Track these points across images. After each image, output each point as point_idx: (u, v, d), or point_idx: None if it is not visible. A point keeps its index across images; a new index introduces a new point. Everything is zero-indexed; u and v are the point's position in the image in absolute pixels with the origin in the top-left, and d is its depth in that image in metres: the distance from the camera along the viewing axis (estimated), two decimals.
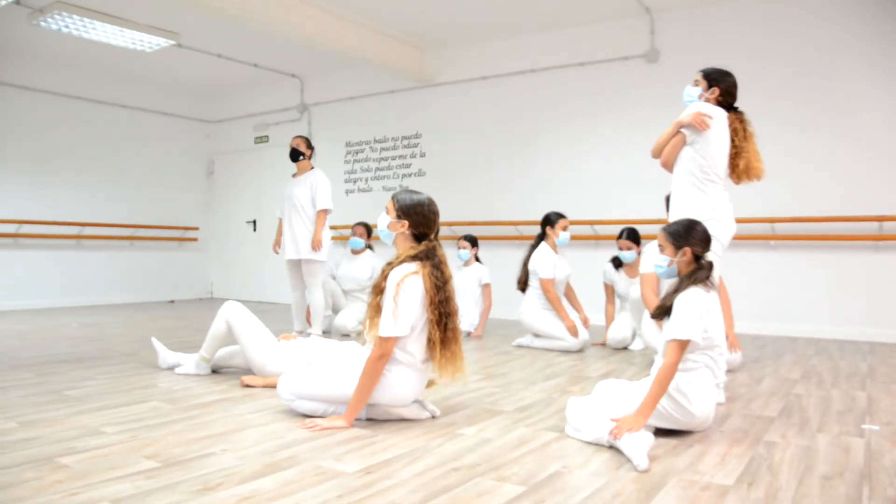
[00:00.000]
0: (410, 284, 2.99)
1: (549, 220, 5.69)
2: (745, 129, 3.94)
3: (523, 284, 5.78)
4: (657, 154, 4.02)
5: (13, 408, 3.39)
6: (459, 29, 7.88)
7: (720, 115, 3.83)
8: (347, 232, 7.34)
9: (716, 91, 3.88)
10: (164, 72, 9.66)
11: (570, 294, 5.85)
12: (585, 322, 5.70)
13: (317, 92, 9.77)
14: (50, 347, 5.47)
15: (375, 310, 3.08)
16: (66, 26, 7.32)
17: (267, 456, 2.58)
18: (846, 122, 6.28)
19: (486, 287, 6.52)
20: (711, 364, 2.96)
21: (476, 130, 8.33)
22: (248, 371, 4.28)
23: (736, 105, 4.01)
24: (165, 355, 4.46)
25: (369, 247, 6.71)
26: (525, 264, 5.77)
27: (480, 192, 8.21)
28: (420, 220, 3.15)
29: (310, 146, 6.09)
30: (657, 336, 3.86)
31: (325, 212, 5.89)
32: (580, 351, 5.45)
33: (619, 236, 5.65)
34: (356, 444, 2.75)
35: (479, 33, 8.02)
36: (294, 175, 6.04)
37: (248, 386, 3.91)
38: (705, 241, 3.13)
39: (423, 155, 8.69)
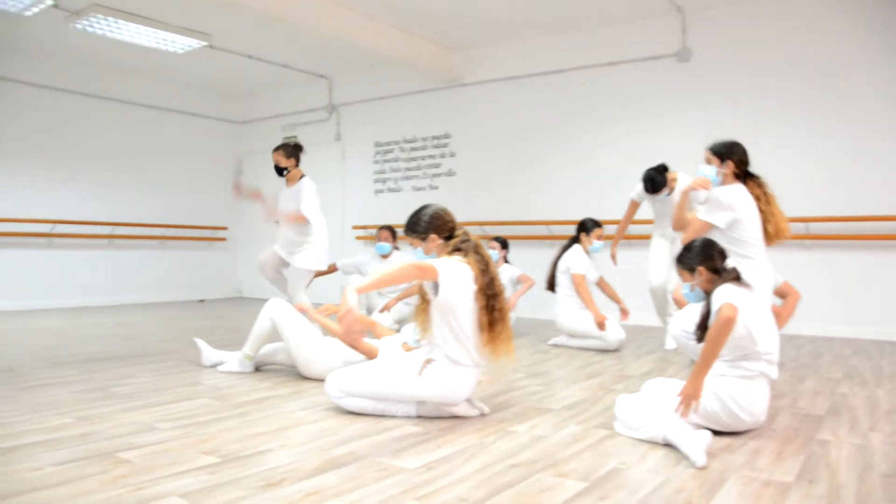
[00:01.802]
0: (457, 264, 3.05)
1: (585, 227, 5.71)
2: (766, 194, 3.91)
3: (551, 284, 5.80)
4: (680, 227, 4.02)
5: (66, 404, 3.43)
6: (488, 29, 7.89)
7: (741, 194, 3.78)
8: (375, 232, 7.35)
9: (730, 165, 3.86)
10: (195, 73, 9.75)
11: (606, 288, 5.86)
12: (625, 314, 5.67)
13: (345, 92, 9.81)
14: (89, 345, 5.53)
15: (423, 313, 3.14)
16: (101, 28, 7.39)
17: (325, 452, 2.61)
18: (889, 116, 6.21)
19: (521, 276, 6.48)
20: (767, 371, 2.94)
21: (506, 130, 8.33)
22: (292, 368, 4.31)
23: (750, 170, 3.97)
24: (208, 353, 4.50)
25: (395, 248, 6.73)
26: (554, 264, 5.78)
27: (510, 192, 8.21)
28: (442, 225, 3.24)
29: (291, 154, 5.60)
30: (683, 324, 3.80)
31: (304, 217, 5.43)
32: (617, 350, 5.44)
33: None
34: (411, 441, 2.76)
35: (508, 33, 8.03)
36: (287, 185, 5.72)
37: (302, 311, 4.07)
38: (720, 254, 3.10)
39: (452, 155, 8.70)
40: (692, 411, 2.74)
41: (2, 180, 8.52)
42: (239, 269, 11.15)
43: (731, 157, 3.86)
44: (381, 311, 5.97)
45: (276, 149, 5.62)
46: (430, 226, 3.22)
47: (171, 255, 10.15)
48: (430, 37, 8.13)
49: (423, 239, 3.23)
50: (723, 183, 3.83)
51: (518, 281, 6.47)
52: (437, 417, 3.15)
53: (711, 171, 3.88)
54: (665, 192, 5.52)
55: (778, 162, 6.49)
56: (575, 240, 5.75)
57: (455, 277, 3.00)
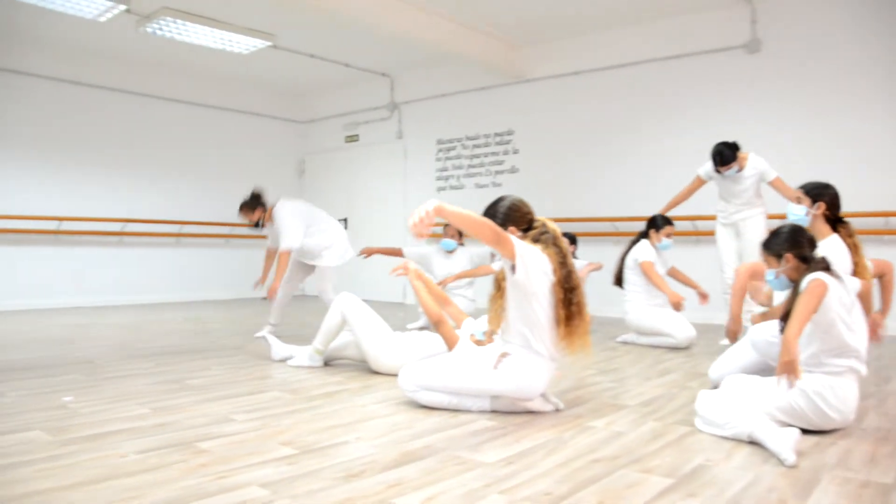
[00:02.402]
0: (537, 251, 3.00)
1: (656, 223, 5.61)
2: (855, 244, 3.74)
3: (618, 278, 5.71)
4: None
5: (143, 394, 3.49)
6: (552, 23, 7.80)
7: (837, 247, 3.61)
8: (439, 230, 7.30)
9: (821, 206, 3.71)
10: (258, 73, 9.88)
11: (680, 276, 5.75)
12: (704, 298, 5.51)
13: (407, 90, 9.83)
14: (162, 339, 5.64)
15: (494, 303, 3.08)
16: (170, 31, 7.55)
17: (402, 445, 2.58)
18: None
19: (588, 266, 6.40)
20: (857, 367, 2.81)
21: (570, 126, 8.22)
22: (361, 363, 4.32)
23: (840, 216, 3.81)
24: (278, 348, 4.54)
25: (461, 244, 6.69)
26: (622, 260, 5.69)
27: (575, 189, 8.11)
28: (521, 216, 3.18)
29: (254, 206, 5.60)
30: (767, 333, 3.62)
31: (288, 252, 5.42)
32: (687, 348, 5.31)
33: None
34: (489, 435, 2.72)
35: (572, 27, 7.92)
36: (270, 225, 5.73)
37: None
38: (810, 242, 2.98)
39: (515, 152, 8.63)
40: (795, 378, 2.58)
41: (80, 181, 8.78)
42: None
43: (824, 198, 3.73)
44: (438, 284, 5.98)
45: (239, 210, 5.67)
46: (507, 217, 3.15)
47: (237, 253, 10.31)
48: (493, 32, 8.08)
49: (503, 229, 3.12)
50: (812, 224, 3.69)
51: (587, 266, 6.44)
52: (512, 412, 3.10)
53: (801, 210, 3.76)
54: (734, 167, 5.40)
55: (853, 156, 6.28)
56: (643, 235, 5.65)
57: (533, 261, 2.94)
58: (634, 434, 2.77)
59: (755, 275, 3.72)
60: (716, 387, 3.78)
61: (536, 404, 3.11)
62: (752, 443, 2.60)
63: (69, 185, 8.69)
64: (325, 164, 11.03)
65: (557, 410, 3.17)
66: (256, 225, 5.68)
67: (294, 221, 5.47)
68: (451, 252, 6.55)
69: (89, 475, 2.23)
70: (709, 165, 5.57)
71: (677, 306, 5.23)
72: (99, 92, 8.94)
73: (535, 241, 3.08)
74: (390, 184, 10.08)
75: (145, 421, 2.96)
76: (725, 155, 5.36)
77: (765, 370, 3.58)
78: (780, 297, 5.32)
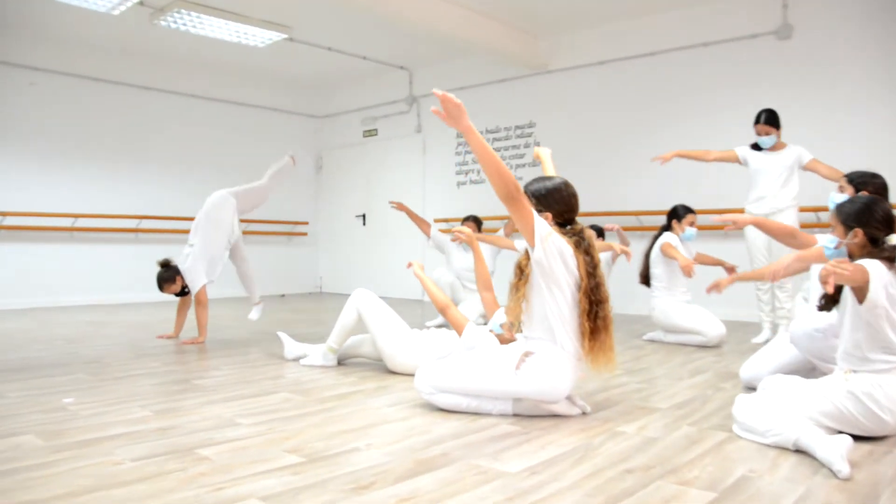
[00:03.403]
0: (563, 241, 2.78)
1: (677, 214, 5.37)
2: None
3: (645, 277, 5.49)
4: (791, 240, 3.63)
5: (147, 396, 3.33)
6: (575, 11, 7.55)
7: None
8: (458, 225, 7.12)
9: (858, 234, 3.44)
10: (275, 67, 9.72)
11: (706, 258, 5.45)
12: (731, 271, 5.10)
13: (426, 83, 9.62)
14: (172, 338, 5.49)
15: (516, 291, 2.85)
16: (184, 24, 7.40)
17: (417, 452, 2.39)
18: None
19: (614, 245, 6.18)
20: None
21: (593, 118, 7.98)
22: (377, 361, 4.13)
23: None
24: (291, 346, 4.37)
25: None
26: (647, 256, 5.47)
27: (597, 182, 7.86)
28: (562, 206, 2.91)
29: (173, 278, 5.33)
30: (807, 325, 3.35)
31: (202, 297, 5.25)
32: (717, 346, 5.08)
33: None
34: (511, 442, 2.52)
35: (595, 16, 7.67)
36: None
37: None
38: (885, 222, 2.70)
39: (537, 144, 8.40)
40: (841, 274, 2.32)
41: (96, 178, 8.66)
42: (319, 264, 11.13)
43: (867, 188, 3.47)
44: (454, 240, 5.98)
45: (161, 286, 5.38)
46: (547, 199, 2.89)
47: (252, 250, 9.99)
48: (514, 22, 7.85)
49: (536, 209, 2.84)
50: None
51: (613, 259, 6.23)
52: (536, 416, 2.89)
53: (842, 198, 3.51)
54: (773, 136, 5.25)
55: (892, 143, 6.00)
56: (666, 228, 5.41)
57: (553, 243, 2.72)
58: (668, 440, 2.56)
59: (802, 259, 3.40)
60: (748, 388, 3.55)
61: (562, 407, 2.89)
62: (798, 451, 2.38)
63: (84, 182, 8.57)
64: (343, 159, 10.86)
65: (584, 414, 2.95)
66: (183, 293, 5.44)
67: (201, 271, 5.34)
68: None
69: (77, 485, 2.06)
70: (746, 148, 5.40)
71: (688, 270, 4.89)
72: (113, 87, 8.81)
73: (576, 245, 2.83)
74: (409, 179, 9.88)
75: (146, 425, 2.79)
76: (770, 115, 5.24)
77: (804, 370, 3.35)
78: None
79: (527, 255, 2.84)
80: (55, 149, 8.37)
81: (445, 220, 9.13)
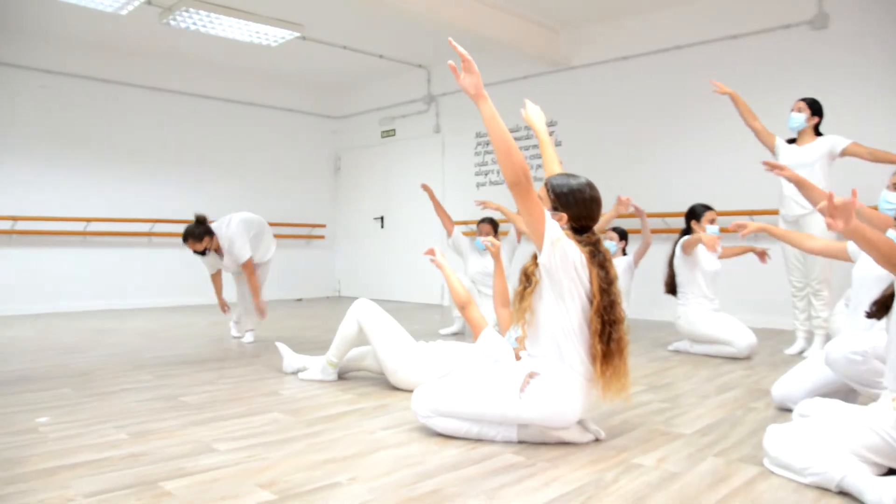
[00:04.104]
0: (576, 248, 2.49)
1: (695, 213, 5.05)
2: None
3: (670, 286, 5.17)
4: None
5: (127, 415, 3.10)
6: (597, 5, 7.24)
7: None
8: (474, 228, 6.84)
9: None
10: (289, 67, 9.51)
11: (732, 249, 5.13)
12: (762, 255, 4.87)
13: (444, 82, 9.36)
14: (174, 347, 5.28)
15: (520, 301, 2.56)
16: (194, 23, 7.20)
17: (405, 489, 2.11)
18: None
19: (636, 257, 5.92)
20: None
21: (616, 116, 7.66)
22: (380, 375, 3.87)
23: None
24: (290, 359, 4.12)
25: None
26: (670, 264, 5.14)
27: (621, 183, 7.52)
28: (581, 210, 2.59)
29: (200, 235, 5.19)
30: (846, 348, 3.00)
31: (250, 263, 5.36)
32: (747, 358, 4.74)
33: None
34: (512, 476, 2.24)
35: (618, 10, 7.36)
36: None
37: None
38: None
39: (559, 144, 8.09)
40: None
41: (107, 181, 8.51)
42: (337, 267, 10.91)
43: None
44: (478, 203, 5.98)
45: (186, 240, 5.23)
46: (566, 197, 2.58)
47: None
48: (534, 17, 7.56)
49: (553, 208, 2.59)
50: None
51: (634, 264, 5.94)
52: (543, 444, 2.59)
53: (894, 198, 3.19)
54: (805, 116, 5.01)
55: None
56: (686, 231, 5.10)
57: (563, 247, 2.43)
58: (691, 475, 2.25)
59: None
60: (781, 408, 3.23)
61: (572, 434, 2.60)
62: (842, 493, 2.07)
63: (95, 186, 8.42)
64: (361, 160, 10.63)
65: (597, 440, 2.65)
66: (204, 253, 5.36)
67: (245, 237, 5.40)
68: (484, 251, 6.07)
69: None
70: (783, 141, 5.15)
71: (711, 244, 4.55)
72: (122, 88, 8.66)
73: (590, 256, 2.54)
74: (428, 180, 9.53)
75: (116, 450, 2.55)
76: (812, 99, 5.05)
77: (844, 390, 3.01)
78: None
79: (534, 261, 2.56)
80: (66, 152, 8.23)
81: (465, 223, 8.83)
